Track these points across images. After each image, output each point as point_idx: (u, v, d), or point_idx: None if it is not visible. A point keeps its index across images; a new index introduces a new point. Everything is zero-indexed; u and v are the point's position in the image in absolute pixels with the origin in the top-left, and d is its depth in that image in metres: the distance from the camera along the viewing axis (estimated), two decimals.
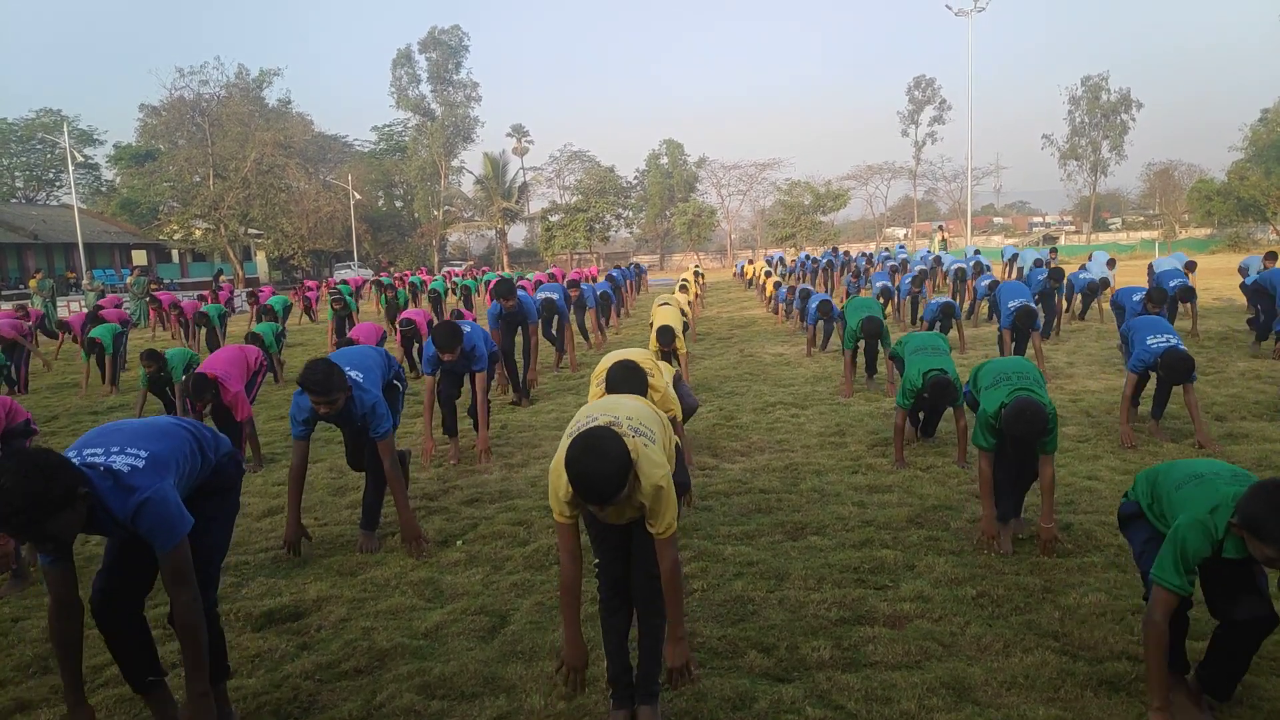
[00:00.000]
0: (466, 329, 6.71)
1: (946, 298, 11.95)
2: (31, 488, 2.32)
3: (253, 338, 11.13)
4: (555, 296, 10.97)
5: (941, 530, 4.80)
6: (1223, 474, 2.87)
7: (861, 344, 9.29)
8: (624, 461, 2.54)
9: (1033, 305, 9.86)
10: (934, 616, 3.74)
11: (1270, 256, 12.61)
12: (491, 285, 9.19)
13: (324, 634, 3.90)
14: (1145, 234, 56.29)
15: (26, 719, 3.30)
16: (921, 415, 6.87)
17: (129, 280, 28.05)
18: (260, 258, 51.89)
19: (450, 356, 6.39)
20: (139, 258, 46.46)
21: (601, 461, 2.51)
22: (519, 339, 9.53)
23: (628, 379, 3.89)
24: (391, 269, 41.04)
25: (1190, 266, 14.26)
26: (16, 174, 55.99)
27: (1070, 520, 4.84)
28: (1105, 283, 15.15)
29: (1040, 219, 77.49)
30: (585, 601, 3.91)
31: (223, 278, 24.90)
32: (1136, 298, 9.94)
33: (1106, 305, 15.49)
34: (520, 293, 9.27)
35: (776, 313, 17.51)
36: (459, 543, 5.00)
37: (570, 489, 2.63)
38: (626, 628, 3.07)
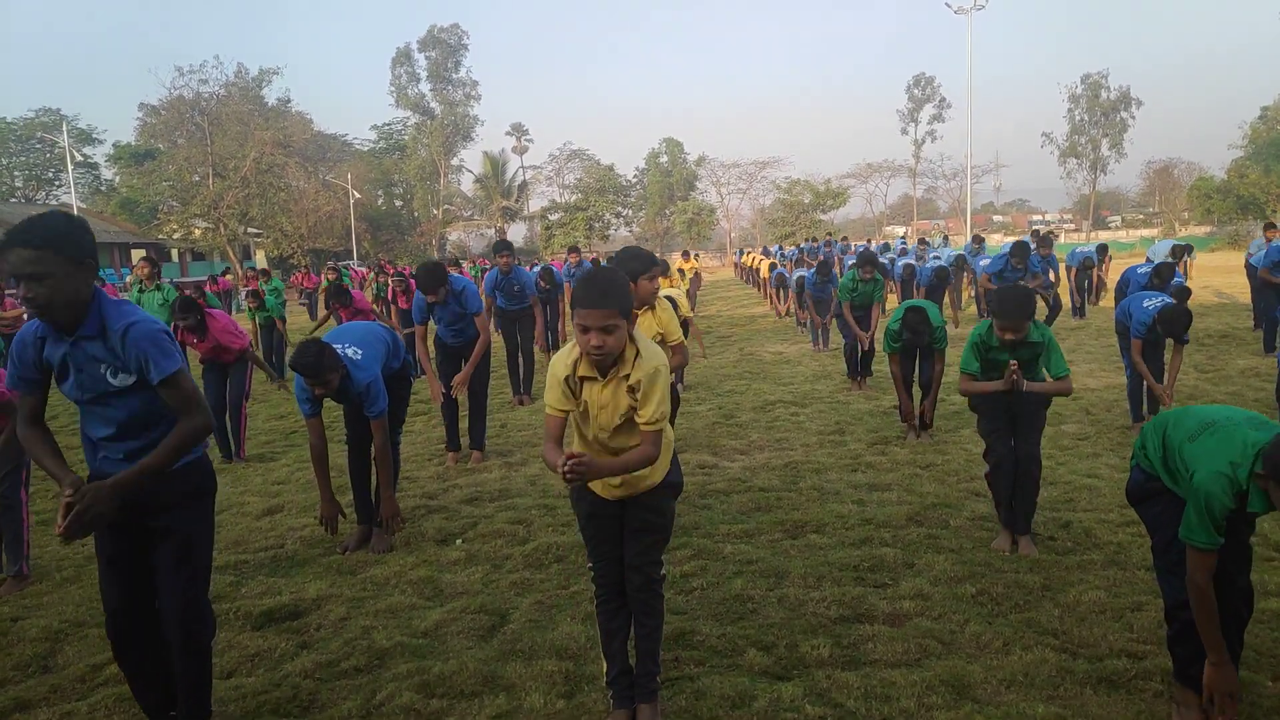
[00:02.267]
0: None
1: (941, 263, 12.21)
2: (67, 222, 2.60)
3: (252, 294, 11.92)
4: (555, 267, 11.13)
5: (941, 528, 4.80)
6: (1237, 419, 2.72)
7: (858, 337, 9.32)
8: (627, 284, 2.69)
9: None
10: (933, 614, 3.74)
11: (1270, 228, 12.25)
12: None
13: (323, 633, 3.90)
14: (1145, 232, 56.36)
15: (26, 718, 3.30)
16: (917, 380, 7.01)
17: (129, 279, 28.03)
18: (260, 256, 51.87)
19: (435, 298, 6.41)
20: (138, 257, 46.49)
21: (610, 272, 2.74)
22: (519, 338, 9.53)
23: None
24: (391, 267, 41.02)
25: (1186, 250, 14.08)
26: (16, 173, 56.01)
27: (1069, 518, 4.84)
28: (1104, 248, 15.59)
29: (1040, 217, 77.50)
30: (584, 601, 3.93)
31: (227, 275, 24.88)
32: (1142, 270, 9.83)
33: (1106, 302, 15.53)
34: (518, 267, 9.41)
35: (770, 296, 17.61)
36: (458, 541, 5.00)
37: (569, 367, 2.75)
38: (625, 630, 3.06)
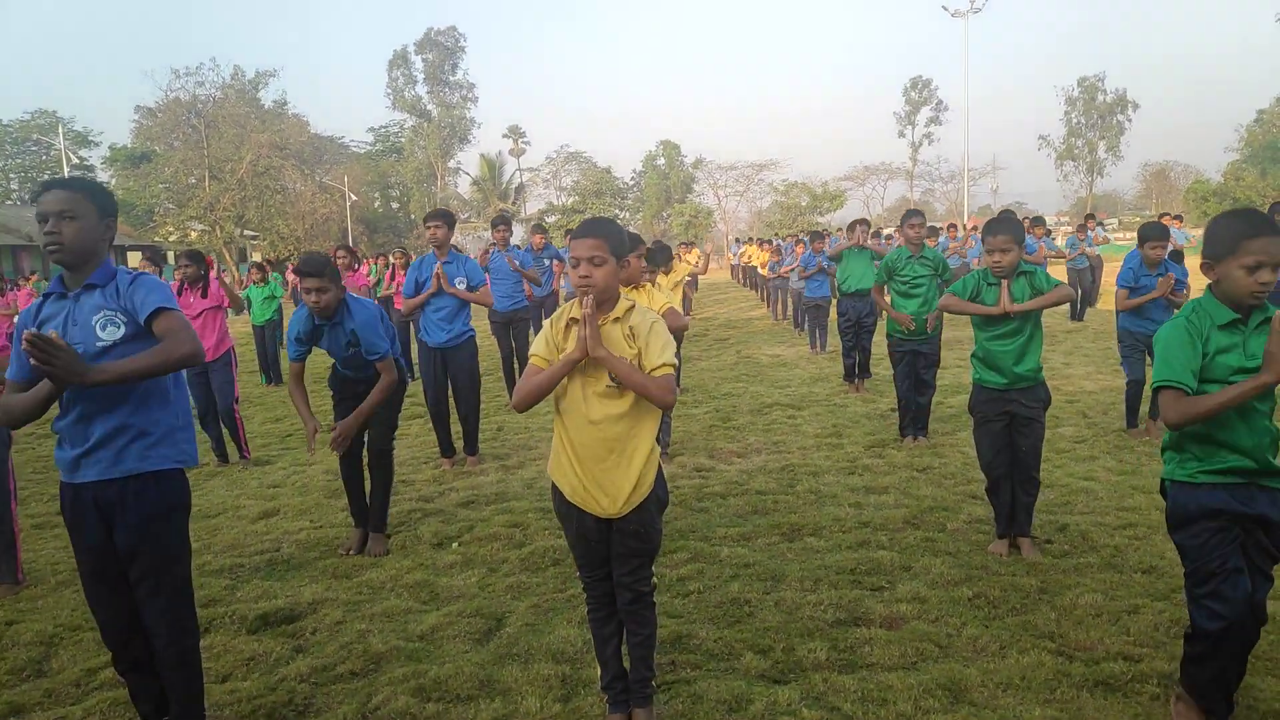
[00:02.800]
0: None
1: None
2: (99, 184, 2.83)
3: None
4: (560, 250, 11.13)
5: (938, 531, 4.80)
6: None
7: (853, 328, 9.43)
8: (620, 229, 2.88)
9: None
10: (930, 618, 3.74)
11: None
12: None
13: (319, 637, 3.89)
14: None
15: None
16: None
17: None
18: (255, 259, 51.86)
19: (438, 231, 6.51)
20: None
21: (604, 217, 2.96)
22: (514, 342, 9.51)
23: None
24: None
25: (1176, 219, 13.95)
26: (11, 175, 56.01)
27: (1066, 521, 4.84)
28: (1090, 216, 15.96)
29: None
30: (580, 605, 3.92)
31: (223, 273, 24.99)
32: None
33: (1105, 305, 15.55)
34: (514, 246, 9.49)
35: (766, 299, 17.71)
36: (455, 545, 4.99)
37: (562, 314, 2.85)
38: (618, 636, 3.05)
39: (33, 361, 2.43)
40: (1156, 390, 2.70)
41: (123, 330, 2.71)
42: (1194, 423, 2.66)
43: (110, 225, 2.79)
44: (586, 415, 2.78)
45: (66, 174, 42.74)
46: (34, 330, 2.49)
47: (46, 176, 55.56)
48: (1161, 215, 14.19)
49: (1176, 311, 2.89)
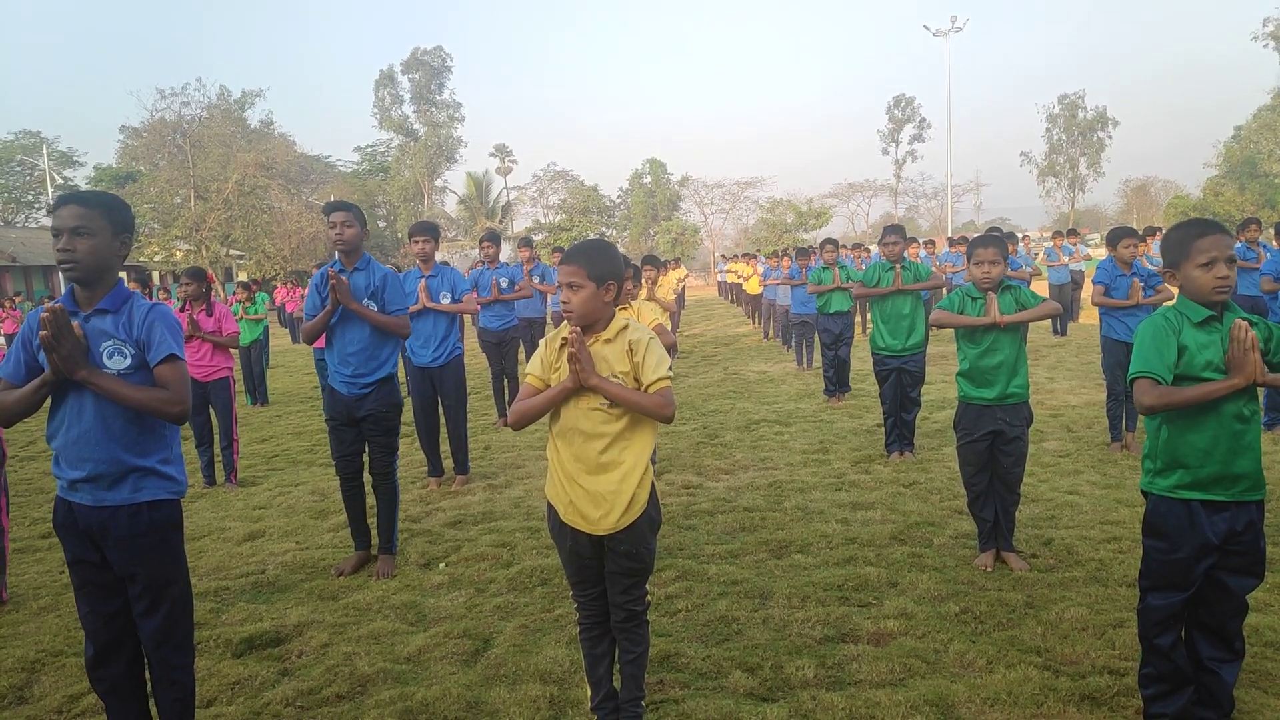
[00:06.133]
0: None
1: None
2: (118, 197, 2.84)
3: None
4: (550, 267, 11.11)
5: (924, 547, 4.82)
6: None
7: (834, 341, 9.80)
8: (604, 253, 2.83)
9: None
10: (917, 634, 3.75)
11: (1249, 225, 9.77)
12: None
13: (305, 660, 3.86)
14: None
15: None
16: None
17: None
18: (242, 279, 51.63)
19: (424, 245, 6.59)
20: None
21: (594, 240, 2.94)
22: (503, 360, 9.51)
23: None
24: None
25: (1150, 233, 14.07)
26: None
27: (1051, 535, 4.87)
28: (1073, 233, 16.14)
29: (1020, 234, 78.13)
30: (568, 625, 3.91)
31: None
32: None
33: (1086, 319, 15.68)
34: (504, 263, 9.46)
35: (754, 313, 17.85)
36: (442, 565, 4.98)
37: (556, 335, 2.86)
38: (610, 655, 3.05)
39: (41, 333, 2.51)
40: (1132, 381, 2.79)
41: (128, 361, 2.73)
42: (1169, 409, 2.74)
43: (125, 242, 2.79)
44: (581, 433, 2.80)
45: (51, 195, 42.61)
46: (60, 306, 2.58)
47: (30, 197, 55.36)
48: (1147, 230, 14.42)
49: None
